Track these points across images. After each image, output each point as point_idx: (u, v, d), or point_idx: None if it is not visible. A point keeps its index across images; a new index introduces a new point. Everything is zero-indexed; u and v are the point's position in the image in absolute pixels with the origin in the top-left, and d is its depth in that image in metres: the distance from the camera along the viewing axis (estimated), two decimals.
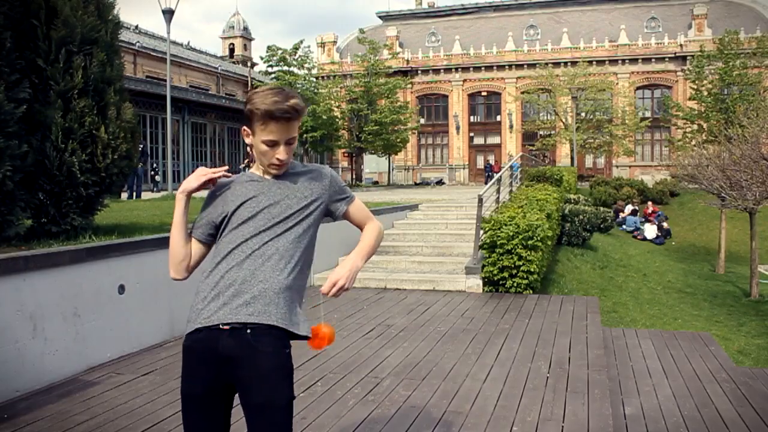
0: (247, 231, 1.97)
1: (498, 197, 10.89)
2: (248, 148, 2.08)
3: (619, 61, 41.50)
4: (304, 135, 28.41)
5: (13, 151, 4.89)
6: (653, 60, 41.29)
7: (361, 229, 2.19)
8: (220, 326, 1.88)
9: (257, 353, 1.86)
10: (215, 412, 1.96)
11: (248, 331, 1.86)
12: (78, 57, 5.36)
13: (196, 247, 2.09)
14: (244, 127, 2.01)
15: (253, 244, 1.95)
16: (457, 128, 44.74)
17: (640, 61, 41.44)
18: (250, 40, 68.51)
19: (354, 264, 2.04)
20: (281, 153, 1.96)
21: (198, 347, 1.92)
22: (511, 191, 13.10)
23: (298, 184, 2.04)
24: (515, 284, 7.83)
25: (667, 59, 41.09)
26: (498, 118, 44.54)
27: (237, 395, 1.96)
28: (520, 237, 7.90)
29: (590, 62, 38.64)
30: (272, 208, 1.99)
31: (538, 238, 7.99)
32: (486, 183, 17.46)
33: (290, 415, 1.92)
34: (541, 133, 39.33)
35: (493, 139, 44.80)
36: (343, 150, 38.53)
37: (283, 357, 1.91)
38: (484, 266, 8.00)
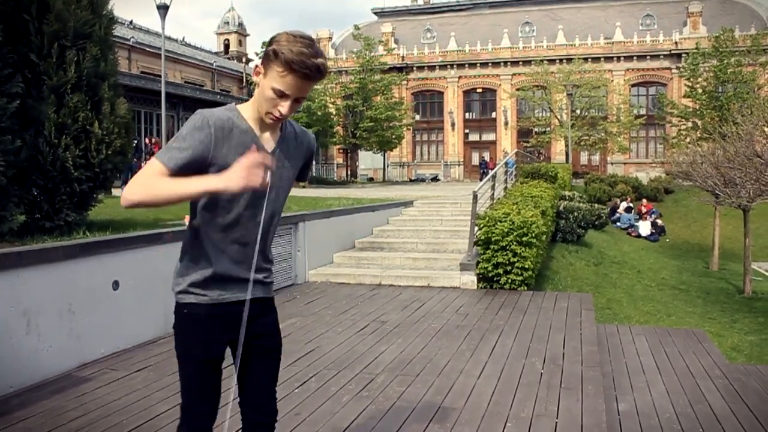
0: (262, 207, 1.96)
1: (493, 194, 10.89)
2: (252, 86, 2.04)
3: (614, 59, 41.58)
4: None
5: (6, 146, 4.88)
6: (648, 57, 41.38)
7: None
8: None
9: (271, 312, 2.17)
10: (220, 371, 2.11)
11: (268, 301, 2.16)
12: (71, 52, 5.33)
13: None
14: (257, 65, 1.91)
15: (261, 219, 1.97)
16: (452, 125, 44.75)
17: (635, 58, 41.54)
18: (246, 36, 68.27)
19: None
20: (285, 107, 1.86)
21: (223, 314, 2.02)
22: (506, 188, 13.10)
23: (291, 162, 2.05)
24: (510, 281, 7.83)
25: (662, 56, 41.20)
26: (493, 114, 44.57)
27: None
28: (515, 233, 7.90)
29: (585, 59, 38.72)
30: (278, 188, 2.01)
31: (533, 235, 8.00)
32: (481, 180, 17.44)
33: None
34: (536, 130, 39.40)
35: (488, 136, 44.84)
36: (338, 146, 38.49)
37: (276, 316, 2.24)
38: (478, 263, 8.01)
